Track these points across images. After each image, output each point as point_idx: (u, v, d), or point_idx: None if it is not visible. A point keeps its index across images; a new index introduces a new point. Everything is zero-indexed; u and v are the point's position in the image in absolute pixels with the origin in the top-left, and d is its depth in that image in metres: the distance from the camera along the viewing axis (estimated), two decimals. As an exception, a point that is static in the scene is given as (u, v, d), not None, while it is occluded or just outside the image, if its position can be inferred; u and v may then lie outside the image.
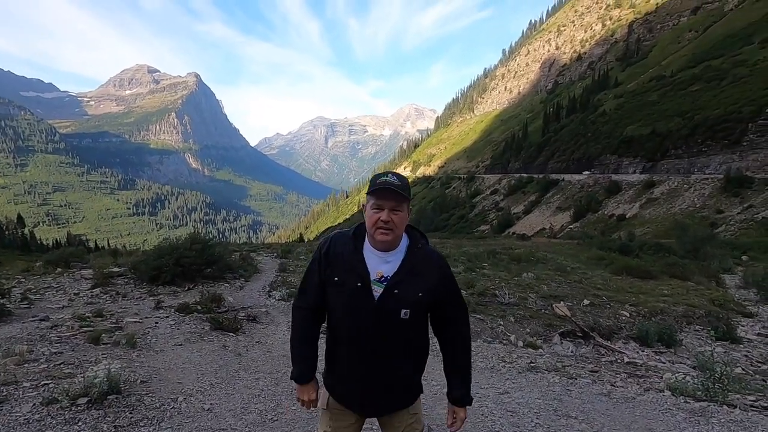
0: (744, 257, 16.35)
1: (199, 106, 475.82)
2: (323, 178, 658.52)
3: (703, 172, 34.79)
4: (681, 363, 5.16)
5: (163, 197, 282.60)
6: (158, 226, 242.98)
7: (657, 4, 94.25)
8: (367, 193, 1.47)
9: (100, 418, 2.73)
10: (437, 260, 1.55)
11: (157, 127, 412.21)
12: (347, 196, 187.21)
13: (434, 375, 4.08)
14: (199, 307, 6.46)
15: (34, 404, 2.82)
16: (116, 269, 9.67)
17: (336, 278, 1.49)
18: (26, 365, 3.66)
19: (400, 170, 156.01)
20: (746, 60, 44.57)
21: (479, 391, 3.67)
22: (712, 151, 35.66)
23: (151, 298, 7.36)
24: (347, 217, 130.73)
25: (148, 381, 3.51)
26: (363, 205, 1.54)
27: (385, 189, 1.41)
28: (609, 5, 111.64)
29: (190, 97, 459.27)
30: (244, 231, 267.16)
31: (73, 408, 2.79)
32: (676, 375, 4.00)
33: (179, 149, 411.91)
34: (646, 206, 35.08)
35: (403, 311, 1.45)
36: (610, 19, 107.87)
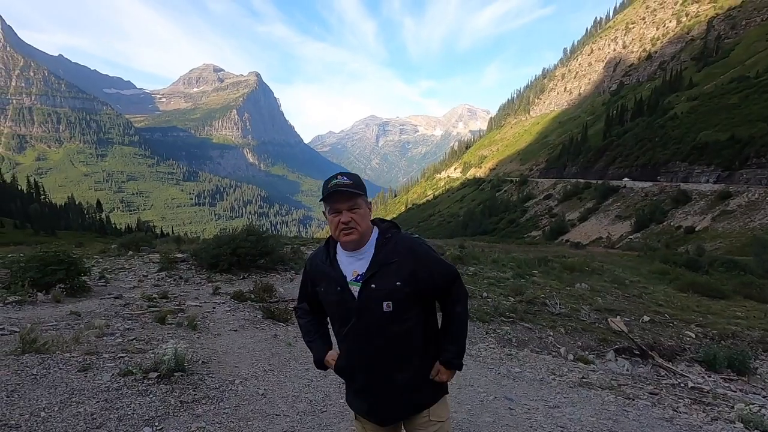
0: (836, 281, 14.54)
1: (258, 103, 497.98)
2: (373, 176, 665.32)
3: (790, 184, 31.35)
4: (755, 393, 4.71)
5: (222, 189, 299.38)
6: (216, 217, 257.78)
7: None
8: (322, 201, 1.48)
9: (168, 393, 2.97)
10: (409, 244, 1.52)
11: (220, 123, 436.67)
12: (395, 195, 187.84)
13: (479, 381, 4.03)
14: (253, 296, 6.80)
15: (113, 374, 3.12)
16: (179, 255, 10.39)
17: (320, 288, 1.58)
18: (105, 338, 4.05)
19: (450, 171, 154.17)
20: None
21: (528, 403, 3.58)
22: (803, 161, 32.02)
23: (210, 284, 7.84)
24: (395, 215, 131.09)
25: (209, 362, 3.76)
26: (323, 213, 1.54)
27: (336, 192, 1.43)
28: (686, 0, 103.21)
29: (250, 95, 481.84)
30: (294, 225, 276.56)
31: (145, 381, 3.06)
32: (750, 406, 3.66)
33: (238, 144, 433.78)
34: (719, 219, 32.18)
35: (385, 304, 1.45)
36: (687, 15, 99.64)
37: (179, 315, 5.32)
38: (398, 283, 1.45)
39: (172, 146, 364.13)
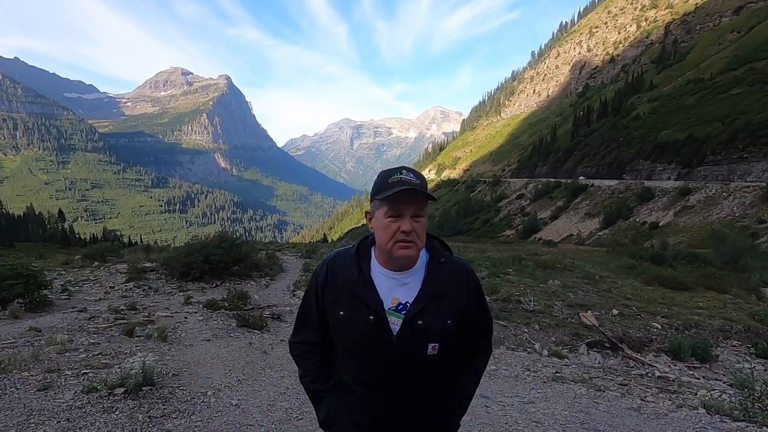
0: (788, 270, 15.46)
1: (229, 107, 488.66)
2: (348, 179, 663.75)
3: (743, 180, 33.15)
4: (717, 380, 4.94)
5: (193, 195, 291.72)
6: (188, 224, 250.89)
7: (696, 4, 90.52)
8: (377, 198, 1.16)
9: (135, 408, 2.85)
10: (466, 274, 1.26)
11: (189, 127, 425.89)
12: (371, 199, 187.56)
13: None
14: (226, 304, 6.64)
15: (76, 392, 2.97)
16: (148, 264, 10.05)
17: (341, 312, 1.21)
18: (67, 354, 3.86)
19: (425, 173, 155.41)
20: (794, 62, 42.25)
21: (503, 400, 3.63)
22: (755, 158, 33.92)
23: (181, 293, 7.61)
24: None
25: (179, 374, 3.63)
26: (367, 214, 1.24)
27: (406, 190, 1.10)
28: (644, 6, 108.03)
29: (220, 99, 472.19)
30: (269, 230, 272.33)
31: (110, 397, 2.93)
32: (712, 392, 3.84)
33: (209, 149, 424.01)
34: (681, 214, 33.71)
35: (431, 346, 1.17)
36: (646, 20, 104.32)
37: (148, 327, 5.14)
38: (449, 322, 1.19)
39: (139, 152, 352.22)
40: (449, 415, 1.30)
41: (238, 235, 12.06)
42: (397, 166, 1.19)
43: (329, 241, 58.03)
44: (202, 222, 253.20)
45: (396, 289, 1.19)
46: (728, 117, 38.70)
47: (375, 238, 1.22)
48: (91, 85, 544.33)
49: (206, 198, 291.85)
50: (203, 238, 9.98)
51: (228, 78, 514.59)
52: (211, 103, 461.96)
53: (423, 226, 1.16)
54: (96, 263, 11.20)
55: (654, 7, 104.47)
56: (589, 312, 7.75)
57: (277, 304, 7.25)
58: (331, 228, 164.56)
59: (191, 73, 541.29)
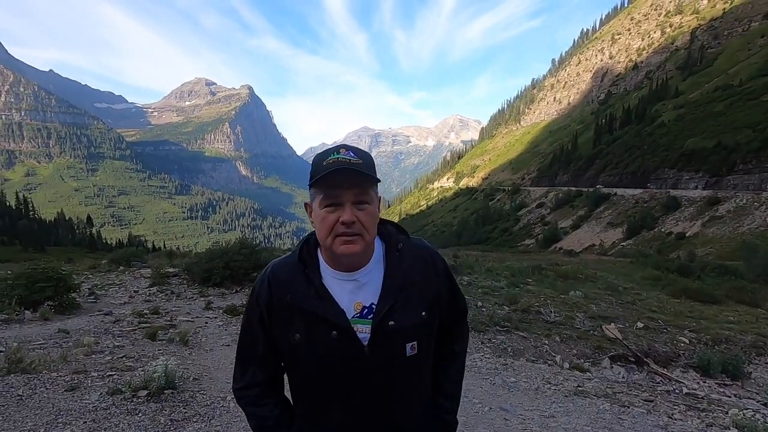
0: (825, 284, 14.73)
1: (251, 116, 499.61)
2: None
3: (776, 190, 31.89)
4: (749, 398, 4.72)
5: (214, 203, 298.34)
6: (209, 230, 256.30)
7: (724, 9, 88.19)
8: (311, 185, 0.97)
9: (158, 411, 2.91)
10: (430, 257, 1.10)
11: (212, 136, 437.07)
12: (389, 206, 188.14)
13: (475, 392, 4.00)
14: (246, 310, 6.74)
15: (101, 393, 3.06)
16: (171, 270, 10.28)
17: (297, 335, 0.98)
18: (93, 356, 3.98)
19: (443, 181, 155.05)
20: (829, 67, 40.64)
21: (523, 413, 3.56)
22: (788, 167, 32.65)
23: (202, 298, 7.75)
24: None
25: (200, 378, 3.70)
26: (307, 206, 1.04)
27: (341, 170, 0.91)
28: (669, 12, 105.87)
29: (242, 108, 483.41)
30: (288, 237, 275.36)
31: (134, 399, 3.00)
32: (744, 411, 3.67)
33: (231, 157, 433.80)
34: (709, 224, 32.58)
35: (409, 346, 1.00)
36: (671, 26, 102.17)
37: (170, 331, 5.25)
38: (424, 314, 1.03)
39: (164, 160, 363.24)
40: (443, 413, 1.15)
41: (257, 241, 12.23)
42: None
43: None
44: (223, 228, 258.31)
45: (356, 292, 1.00)
46: (759, 124, 37.36)
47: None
48: (120, 95, 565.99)
49: (227, 205, 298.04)
50: (224, 244, 10.15)
51: (250, 88, 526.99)
52: (233, 112, 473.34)
53: (370, 215, 0.96)
54: (121, 268, 11.53)
55: (679, 13, 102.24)
56: (613, 324, 7.54)
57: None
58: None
59: (214, 84, 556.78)
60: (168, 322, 5.77)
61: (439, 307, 1.09)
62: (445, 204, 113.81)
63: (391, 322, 0.98)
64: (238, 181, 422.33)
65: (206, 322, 5.95)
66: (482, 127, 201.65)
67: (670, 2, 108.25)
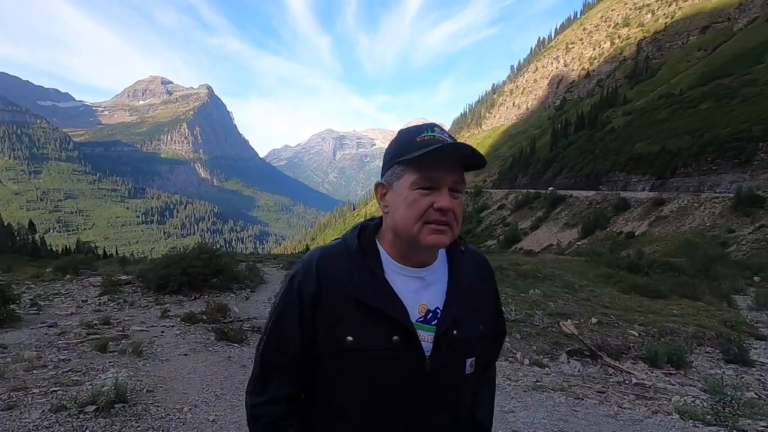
0: (756, 278, 16.05)
1: (210, 117, 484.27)
2: (331, 190, 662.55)
3: (713, 191, 34.44)
4: (691, 386, 5.07)
5: (172, 206, 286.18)
6: (166, 235, 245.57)
7: (666, 23, 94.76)
8: (400, 160, 0.81)
9: (107, 427, 2.75)
10: (486, 264, 1.00)
11: (169, 137, 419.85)
12: (354, 209, 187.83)
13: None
14: (205, 317, 6.50)
15: (43, 411, 2.85)
16: (124, 277, 9.77)
17: (349, 338, 0.81)
18: (35, 371, 3.70)
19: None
20: (756, 79, 44.47)
21: (484, 409, 3.64)
22: (723, 170, 35.35)
23: (158, 306, 7.41)
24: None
25: (154, 390, 3.53)
26: (380, 186, 0.89)
27: (448, 149, 0.77)
28: (617, 24, 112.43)
29: (201, 109, 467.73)
30: (250, 241, 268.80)
31: (80, 416, 2.82)
32: (685, 398, 3.94)
33: (189, 159, 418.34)
34: (655, 224, 34.72)
35: (468, 362, 0.89)
36: (619, 37, 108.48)
37: (123, 341, 4.98)
38: (482, 327, 0.91)
39: (116, 161, 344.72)
40: None
41: (218, 246, 11.87)
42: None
43: (312, 252, 57.48)
44: (181, 233, 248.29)
45: (421, 292, 0.86)
46: (698, 131, 40.31)
47: (387, 222, 0.88)
48: (67, 93, 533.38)
49: (185, 209, 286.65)
50: (182, 249, 9.78)
51: (209, 87, 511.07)
52: (191, 112, 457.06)
53: (461, 205, 0.84)
54: (68, 276, 10.82)
55: (626, 25, 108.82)
56: (569, 321, 7.86)
57: (258, 317, 7.13)
58: (313, 239, 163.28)
59: (171, 82, 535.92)
60: (120, 333, 5.47)
61: (490, 323, 0.96)
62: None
63: (455, 332, 0.85)
64: (197, 184, 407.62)
65: (162, 331, 5.69)
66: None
67: (618, 15, 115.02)
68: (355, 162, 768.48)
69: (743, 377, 5.48)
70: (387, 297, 0.82)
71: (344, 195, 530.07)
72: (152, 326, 5.97)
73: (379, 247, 0.89)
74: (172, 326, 6.01)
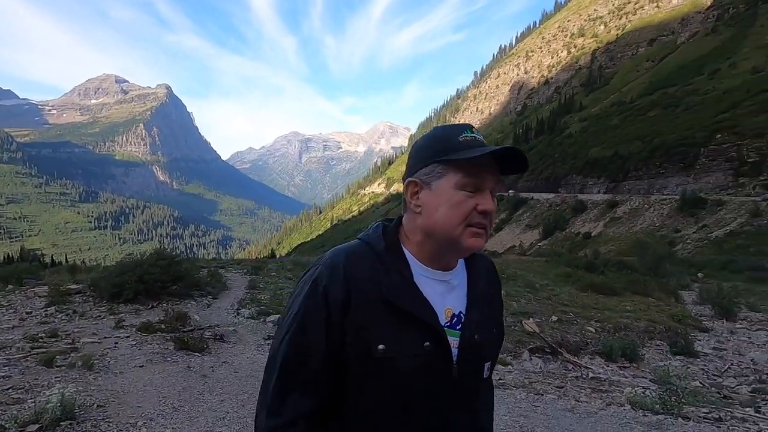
0: (699, 274, 17.19)
1: (169, 117, 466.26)
2: (296, 193, 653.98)
3: (661, 193, 36.63)
4: (642, 377, 5.34)
5: (127, 211, 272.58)
6: (121, 241, 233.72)
7: (617, 35, 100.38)
8: (446, 159, 0.78)
9: (51, 447, 2.57)
10: (494, 267, 1.00)
11: (124, 138, 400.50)
12: (320, 212, 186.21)
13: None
14: (163, 326, 6.23)
15: (-22, 433, 2.63)
16: (74, 286, 9.20)
17: (381, 345, 0.76)
18: (-30, 391, 3.41)
19: (375, 187, 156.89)
20: (698, 89, 47.88)
21: (449, 409, 3.69)
22: (669, 173, 37.72)
23: (111, 317, 7.03)
24: (320, 232, 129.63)
25: (106, 405, 3.34)
26: (413, 184, 0.83)
27: (502, 151, 0.77)
28: (573, 34, 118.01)
29: (159, 109, 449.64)
30: (213, 246, 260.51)
31: (21, 436, 2.62)
32: (636, 389, 4.15)
33: (146, 161, 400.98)
34: (609, 225, 36.50)
35: (486, 366, 0.89)
36: (575, 47, 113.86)
37: (72, 355, 4.68)
38: (494, 330, 0.92)
39: (65, 164, 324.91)
40: None
41: (178, 251, 11.41)
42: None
43: (277, 256, 56.51)
44: (138, 239, 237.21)
45: (446, 296, 0.84)
46: (647, 136, 42.84)
47: (416, 222, 0.83)
48: (9, 90, 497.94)
49: (143, 213, 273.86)
50: (138, 255, 9.33)
51: (168, 87, 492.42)
52: (148, 112, 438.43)
53: (496, 209, 0.83)
54: (10, 286, 10.05)
55: (582, 36, 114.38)
56: (531, 319, 8.11)
57: (220, 324, 6.91)
58: (279, 243, 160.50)
59: (126, 81, 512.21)
60: (69, 346, 5.14)
61: (500, 327, 0.96)
62: (377, 209, 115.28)
63: (477, 336, 0.84)
64: (155, 187, 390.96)
65: (116, 343, 5.40)
66: (411, 134, 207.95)
67: (574, 26, 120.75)
68: (322, 165, 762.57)
69: (689, 368, 5.84)
70: (418, 300, 0.79)
71: (310, 198, 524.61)
72: (105, 337, 5.65)
73: (404, 248, 0.85)
74: (127, 337, 5.72)
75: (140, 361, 4.67)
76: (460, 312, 0.84)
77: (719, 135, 34.37)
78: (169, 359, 4.86)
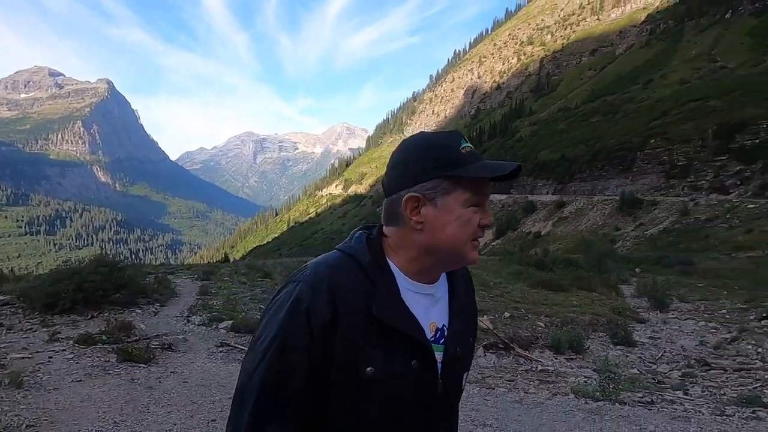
0: (637, 269, 18.49)
1: (111, 114, 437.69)
2: (251, 195, 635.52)
3: (603, 194, 39.04)
4: (586, 367, 5.67)
5: (63, 214, 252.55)
6: (57, 247, 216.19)
7: (563, 44, 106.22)
8: (453, 174, 0.73)
9: (-30, 474, 2.34)
10: (468, 274, 0.97)
11: (59, 136, 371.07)
12: (276, 214, 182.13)
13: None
14: (104, 337, 5.83)
15: None
16: (1, 297, 8.42)
17: (370, 368, 0.72)
18: None
19: (332, 188, 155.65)
20: (634, 98, 51.68)
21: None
22: (610, 175, 40.33)
23: (45, 329, 6.49)
24: (276, 235, 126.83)
25: (36, 425, 3.08)
26: (415, 198, 0.75)
27: (508, 167, 0.77)
28: (523, 42, 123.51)
29: (100, 105, 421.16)
30: (161, 251, 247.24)
31: (-66, 465, 2.36)
32: (579, 379, 4.41)
33: (85, 161, 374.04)
34: (557, 224, 38.44)
35: (464, 377, 0.88)
36: (524, 54, 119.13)
37: (-3, 372, 4.28)
38: (471, 339, 0.90)
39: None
40: None
41: (122, 257, 10.73)
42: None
43: (231, 260, 54.63)
44: (76, 244, 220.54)
45: (430, 309, 0.81)
46: (590, 141, 45.60)
47: (415, 239, 0.77)
48: None
49: (81, 217, 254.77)
50: (76, 262, 8.68)
51: (109, 82, 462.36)
52: (87, 109, 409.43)
53: None
54: (-77, 299, 9.03)
55: (530, 44, 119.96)
56: (485, 316, 8.36)
57: (168, 333, 6.57)
58: (233, 246, 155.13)
59: (62, 75, 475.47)
60: (-6, 362, 4.69)
61: (475, 335, 0.94)
62: (334, 211, 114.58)
63: (458, 349, 0.82)
64: (95, 189, 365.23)
65: (50, 357, 4.99)
66: (368, 136, 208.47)
67: (524, 34, 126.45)
68: (277, 166, 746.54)
69: (627, 356, 6.27)
70: (407, 318, 0.75)
71: (266, 200, 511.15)
72: (37, 352, 5.21)
73: (389, 261, 0.80)
74: (63, 350, 5.30)
75: (78, 376, 4.36)
76: (443, 325, 0.81)
77: (653, 140, 37.24)
78: (110, 372, 4.57)
